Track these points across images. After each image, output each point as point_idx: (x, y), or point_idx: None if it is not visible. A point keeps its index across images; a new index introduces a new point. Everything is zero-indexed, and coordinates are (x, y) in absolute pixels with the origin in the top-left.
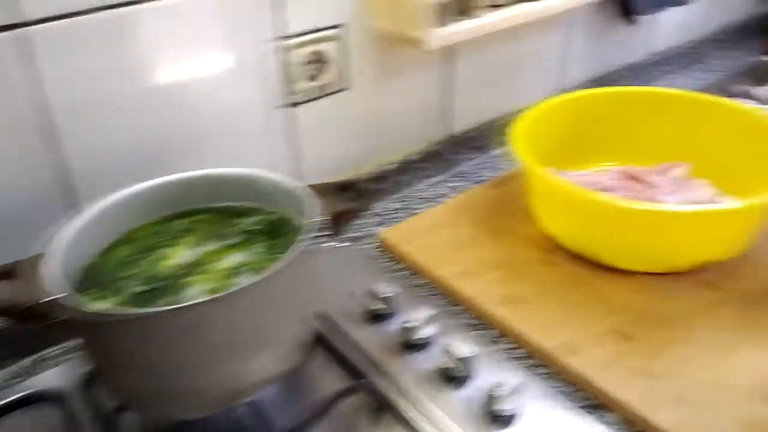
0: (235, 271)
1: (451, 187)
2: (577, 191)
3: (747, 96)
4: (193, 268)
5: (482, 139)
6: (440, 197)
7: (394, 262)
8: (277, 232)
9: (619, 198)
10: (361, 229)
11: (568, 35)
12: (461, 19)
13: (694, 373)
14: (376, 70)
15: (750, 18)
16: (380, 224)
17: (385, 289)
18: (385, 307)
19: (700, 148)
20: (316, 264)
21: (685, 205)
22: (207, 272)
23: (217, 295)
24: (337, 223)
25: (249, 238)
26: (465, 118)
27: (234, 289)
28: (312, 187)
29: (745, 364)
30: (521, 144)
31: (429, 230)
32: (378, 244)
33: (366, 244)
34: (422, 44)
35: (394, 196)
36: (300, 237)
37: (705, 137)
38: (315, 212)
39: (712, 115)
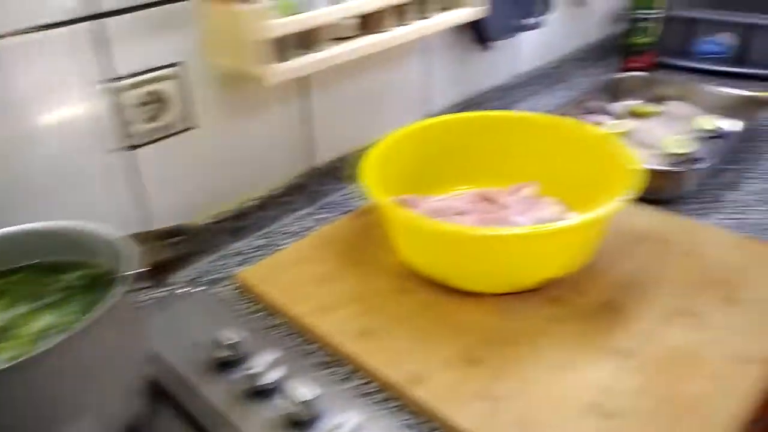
0: (42, 335)
1: (318, 220)
2: (418, 221)
3: (603, 111)
4: (1, 334)
5: (348, 168)
6: (306, 231)
7: (252, 304)
8: (97, 287)
9: (472, 221)
10: (221, 271)
11: (428, 63)
12: (304, 53)
13: (536, 393)
14: (226, 107)
15: (607, 37)
16: (242, 264)
17: (233, 335)
18: (232, 354)
19: (548, 166)
20: (138, 317)
21: (535, 223)
22: (14, 338)
23: (7, 365)
24: (160, 271)
25: (67, 295)
26: (329, 149)
27: (27, 356)
28: (135, 235)
29: (584, 380)
30: (371, 175)
31: (290, 266)
32: (237, 285)
33: (224, 286)
34: (261, 80)
35: (258, 233)
36: (112, 292)
37: (552, 156)
38: (133, 263)
39: (558, 135)
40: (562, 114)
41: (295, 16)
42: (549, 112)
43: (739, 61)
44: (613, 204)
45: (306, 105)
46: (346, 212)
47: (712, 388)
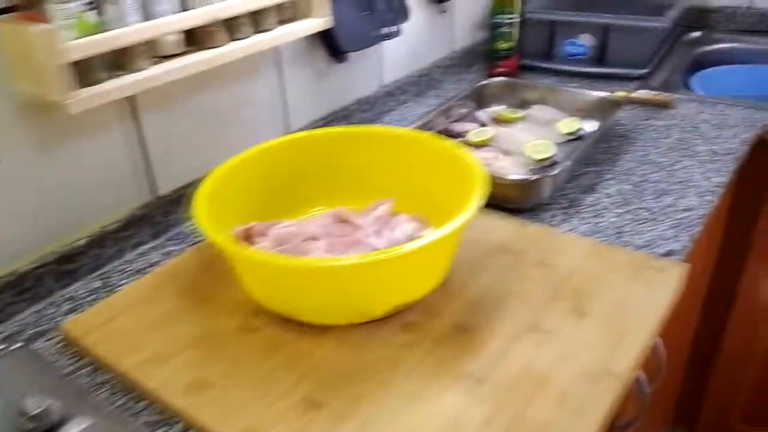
0: None
1: (165, 254)
2: (251, 255)
3: (470, 118)
4: None
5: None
6: (151, 267)
7: (78, 359)
8: None
9: (324, 246)
10: (46, 322)
11: (280, 79)
12: (119, 74)
13: None
14: (33, 138)
15: (474, 44)
16: (72, 311)
17: (41, 402)
18: (38, 425)
19: (404, 182)
20: None
21: (390, 243)
22: None
23: None
24: None
25: None
26: (174, 176)
27: None
28: None
29: (432, 413)
30: (204, 207)
31: (123, 311)
32: (61, 338)
33: (48, 340)
34: (64, 108)
35: (93, 274)
36: None
37: (406, 171)
38: None
39: (410, 149)
40: (429, 122)
41: (97, 36)
42: (418, 120)
43: (599, 61)
44: (460, 219)
45: (135, 130)
46: (195, 243)
47: (561, 412)
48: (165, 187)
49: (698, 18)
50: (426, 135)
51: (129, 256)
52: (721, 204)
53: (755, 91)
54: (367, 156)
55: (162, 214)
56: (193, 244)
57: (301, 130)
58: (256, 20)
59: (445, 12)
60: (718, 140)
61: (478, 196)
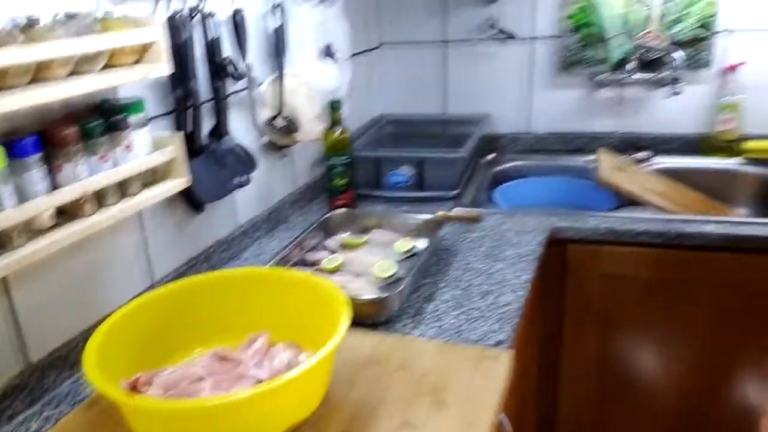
0: None
1: (45, 419)
2: (149, 404)
3: (321, 247)
4: None
5: (73, 355)
6: None
7: None
8: None
9: (210, 386)
10: None
11: (142, 236)
12: None
13: None
14: None
15: (314, 180)
16: None
17: None
18: None
19: (275, 314)
20: None
21: (272, 372)
22: None
23: None
24: None
25: None
26: (47, 340)
27: None
28: None
29: None
30: (93, 363)
31: None
32: None
33: None
34: None
35: None
36: None
37: (276, 304)
38: None
39: (276, 284)
40: (286, 256)
41: None
42: (274, 255)
43: (419, 187)
44: (332, 343)
45: (7, 303)
46: (76, 404)
47: None
48: (38, 352)
49: (491, 143)
50: (285, 270)
51: (7, 428)
52: (532, 295)
53: (544, 198)
54: (236, 296)
55: (36, 380)
56: (73, 405)
57: (166, 278)
58: (122, 188)
59: (285, 156)
60: (521, 244)
61: (344, 319)
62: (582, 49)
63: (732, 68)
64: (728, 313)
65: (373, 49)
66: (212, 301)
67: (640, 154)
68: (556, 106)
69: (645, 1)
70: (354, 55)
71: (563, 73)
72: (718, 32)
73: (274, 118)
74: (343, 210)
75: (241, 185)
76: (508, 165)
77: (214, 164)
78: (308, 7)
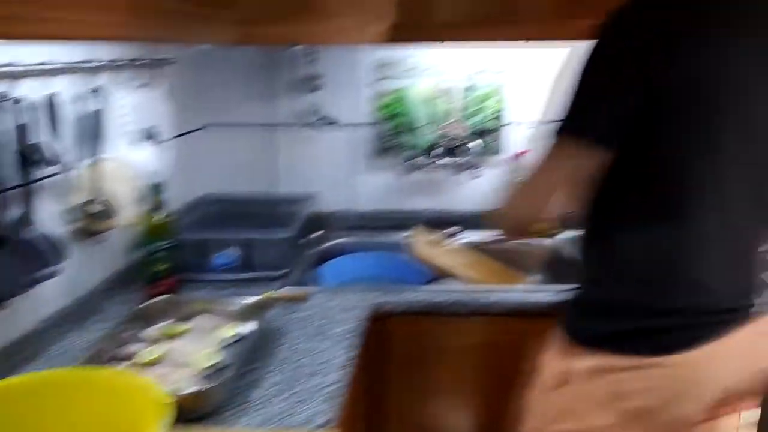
0: None
1: None
2: None
3: (137, 339)
4: None
5: None
6: None
7: None
8: None
9: None
10: None
11: None
12: None
13: None
14: None
15: (131, 266)
16: None
17: None
18: None
19: (80, 424)
20: None
21: None
22: None
23: None
24: None
25: None
26: None
27: None
28: None
29: None
30: None
31: None
32: None
33: None
34: None
35: None
36: None
37: (81, 410)
38: None
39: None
40: (98, 351)
41: None
42: (83, 351)
43: (246, 268)
44: None
45: None
46: None
47: None
48: None
49: (318, 221)
50: (90, 370)
51: None
52: (358, 371)
53: (367, 272)
54: (31, 407)
55: None
56: None
57: None
58: None
59: (100, 242)
60: (346, 321)
61: (158, 421)
62: (395, 135)
63: (519, 155)
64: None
65: (197, 130)
66: (20, 413)
67: (450, 230)
68: (377, 186)
69: (448, 96)
70: (178, 136)
71: (381, 156)
72: (506, 124)
73: (89, 203)
74: (164, 297)
75: (47, 277)
76: (333, 242)
77: (17, 256)
78: (129, 91)
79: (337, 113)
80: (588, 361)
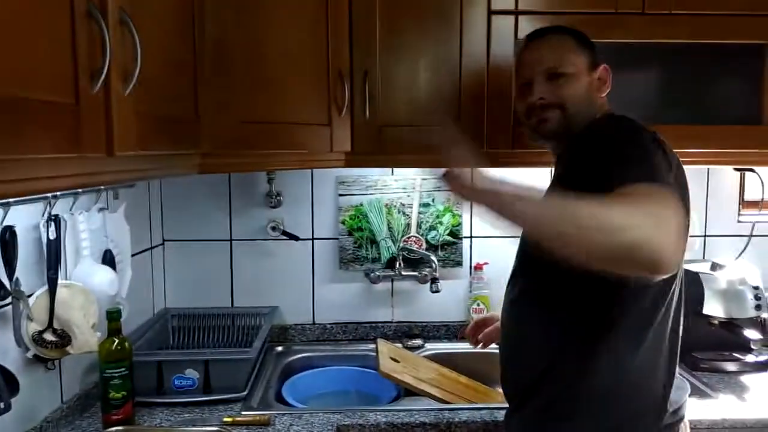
0: None
1: None
2: None
3: None
4: None
5: None
6: None
7: None
8: None
9: None
10: None
11: None
12: None
13: None
14: None
15: (86, 389)
16: None
17: None
18: None
19: None
20: None
21: None
22: None
23: None
24: None
25: None
26: None
27: None
28: None
29: None
30: None
31: None
32: None
33: None
34: None
35: None
36: None
37: None
38: None
39: None
40: None
41: None
42: None
43: (206, 389)
44: None
45: None
46: None
47: None
48: None
49: (280, 334)
50: None
51: None
52: None
53: (332, 387)
54: None
55: None
56: None
57: None
58: None
59: (53, 369)
60: None
61: None
62: (357, 248)
63: (479, 267)
64: None
65: (155, 246)
66: None
67: (413, 342)
68: (339, 298)
69: (405, 212)
70: (136, 254)
71: (342, 268)
72: (463, 238)
73: (44, 331)
74: (119, 428)
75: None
76: (296, 357)
77: None
78: (87, 216)
79: (297, 228)
80: None
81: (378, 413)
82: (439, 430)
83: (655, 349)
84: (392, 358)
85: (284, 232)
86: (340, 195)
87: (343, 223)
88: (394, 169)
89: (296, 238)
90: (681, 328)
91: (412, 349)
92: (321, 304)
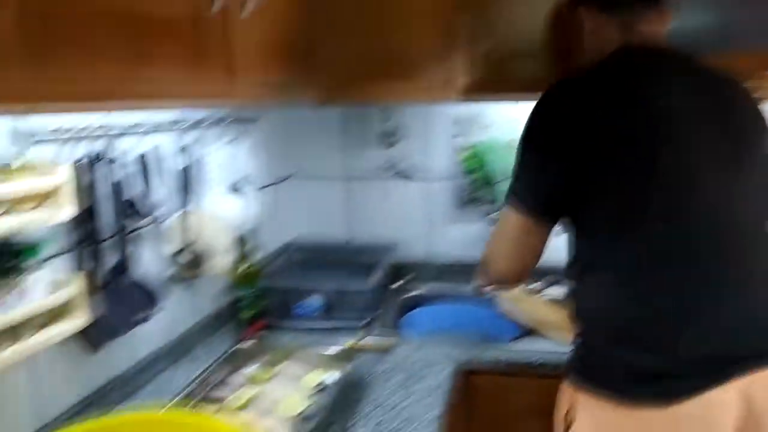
0: None
1: None
2: None
3: (225, 383)
4: None
5: None
6: None
7: None
8: None
9: None
10: None
11: (34, 374)
12: None
13: None
14: None
15: (222, 310)
16: None
17: None
18: None
19: None
20: None
21: None
22: None
23: None
24: None
25: None
26: None
27: None
28: None
29: None
30: None
31: None
32: None
33: None
34: None
35: None
36: None
37: None
38: None
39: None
40: (190, 393)
41: None
42: (176, 394)
43: (329, 316)
44: None
45: None
46: None
47: None
48: None
49: (399, 270)
50: (181, 414)
51: None
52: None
53: (451, 324)
54: None
55: None
56: None
57: (58, 419)
58: (16, 331)
59: (191, 287)
60: (429, 377)
61: None
62: (475, 189)
63: None
64: None
65: (284, 179)
66: None
67: (537, 284)
68: (458, 237)
69: None
70: (264, 187)
71: (462, 208)
72: None
73: (182, 251)
74: (251, 342)
75: (143, 321)
76: (415, 292)
77: (115, 301)
78: (218, 146)
79: (417, 165)
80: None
81: (498, 350)
82: (560, 372)
83: None
84: (515, 298)
85: (399, 172)
86: (457, 135)
87: (463, 161)
88: (514, 105)
89: (412, 177)
90: None
91: (537, 290)
92: (440, 243)
